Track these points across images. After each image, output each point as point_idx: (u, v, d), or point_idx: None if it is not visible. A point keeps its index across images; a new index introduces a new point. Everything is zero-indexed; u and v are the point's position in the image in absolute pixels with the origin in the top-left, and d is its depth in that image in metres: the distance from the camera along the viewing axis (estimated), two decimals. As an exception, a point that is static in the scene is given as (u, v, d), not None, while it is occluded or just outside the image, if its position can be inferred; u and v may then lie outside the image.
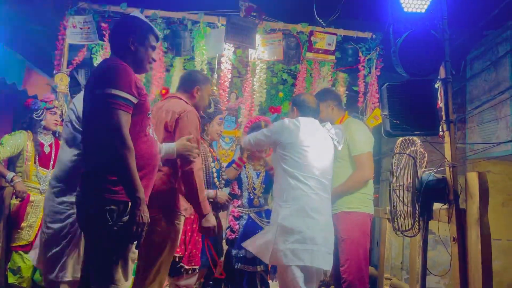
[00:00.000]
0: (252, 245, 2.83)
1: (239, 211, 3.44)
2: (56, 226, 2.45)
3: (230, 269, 3.31)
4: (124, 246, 1.88)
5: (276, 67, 4.56)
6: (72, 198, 2.36)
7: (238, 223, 3.40)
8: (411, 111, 2.41)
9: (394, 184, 2.52)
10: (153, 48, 2.19)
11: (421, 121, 2.41)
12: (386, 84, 2.43)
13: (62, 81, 3.89)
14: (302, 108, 2.90)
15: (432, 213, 2.44)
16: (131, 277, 2.00)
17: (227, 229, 3.41)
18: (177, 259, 2.85)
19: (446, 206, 2.40)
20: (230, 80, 4.03)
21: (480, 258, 2.14)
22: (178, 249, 2.84)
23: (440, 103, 2.42)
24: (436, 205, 2.45)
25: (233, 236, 3.38)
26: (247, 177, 3.48)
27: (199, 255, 2.97)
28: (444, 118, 2.40)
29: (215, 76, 3.97)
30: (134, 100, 1.90)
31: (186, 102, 2.59)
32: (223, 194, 3.20)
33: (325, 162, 2.80)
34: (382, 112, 2.44)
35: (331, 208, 2.81)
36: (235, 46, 3.88)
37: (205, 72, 3.83)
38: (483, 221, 2.18)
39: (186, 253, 2.90)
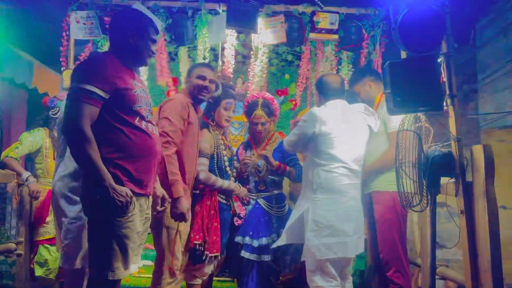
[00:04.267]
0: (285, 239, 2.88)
1: (248, 196, 3.35)
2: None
3: (234, 258, 3.18)
4: (116, 231, 2.01)
5: (280, 49, 4.57)
6: None
7: (245, 208, 3.31)
8: (414, 87, 2.42)
9: (400, 161, 2.56)
10: (153, 41, 2.27)
11: (425, 97, 2.42)
12: (388, 62, 2.45)
13: (68, 77, 3.99)
14: (326, 91, 2.87)
15: (440, 188, 2.49)
16: (131, 265, 2.11)
17: (235, 215, 3.32)
18: (197, 246, 2.90)
19: (452, 180, 2.45)
20: (234, 66, 4.06)
21: (488, 230, 2.20)
22: (197, 236, 2.92)
23: (444, 78, 2.45)
24: (443, 179, 2.50)
25: (239, 222, 3.27)
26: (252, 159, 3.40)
27: (220, 241, 2.99)
28: (448, 92, 2.43)
29: (220, 63, 4.01)
30: (103, 94, 1.99)
31: (182, 93, 2.71)
32: (243, 191, 3.22)
33: (358, 148, 2.80)
34: (385, 90, 2.47)
35: (364, 188, 2.87)
36: (237, 31, 3.91)
37: (208, 60, 3.89)
38: (489, 193, 2.22)
39: (207, 239, 2.93)
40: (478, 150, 2.29)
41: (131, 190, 2.06)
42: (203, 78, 2.88)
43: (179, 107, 2.68)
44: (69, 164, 2.75)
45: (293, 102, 4.63)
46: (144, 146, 2.12)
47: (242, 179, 3.38)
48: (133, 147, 2.08)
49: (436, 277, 2.84)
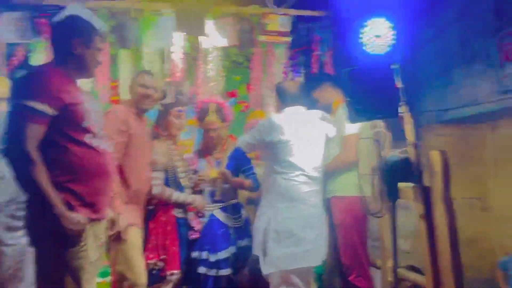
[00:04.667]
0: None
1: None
2: None
3: (191, 274, 3.03)
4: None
5: (230, 51, 4.49)
6: None
7: (201, 221, 3.17)
8: (373, 94, 2.43)
9: (361, 168, 2.59)
10: (99, 50, 2.10)
11: (383, 104, 2.45)
12: (347, 70, 2.45)
13: (1, 84, 3.66)
14: (284, 98, 2.85)
15: (398, 193, 2.54)
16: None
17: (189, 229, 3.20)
18: (152, 266, 2.77)
19: (411, 185, 2.51)
20: (182, 69, 3.91)
21: (448, 232, 2.28)
22: (151, 255, 2.79)
23: (398, 85, 2.49)
24: (401, 185, 2.55)
25: (193, 237, 3.14)
26: (204, 168, 3.27)
27: (178, 258, 2.87)
28: (403, 99, 2.48)
29: (167, 67, 3.85)
30: (49, 111, 1.83)
31: (126, 103, 2.59)
32: (202, 202, 3.08)
33: (316, 155, 2.80)
34: (345, 98, 2.48)
35: (325, 192, 2.85)
36: (186, 33, 3.77)
37: (155, 64, 3.73)
38: (447, 197, 2.30)
39: (165, 257, 2.81)
40: (435, 156, 2.35)
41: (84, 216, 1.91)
42: (145, 86, 2.76)
43: (114, 119, 2.54)
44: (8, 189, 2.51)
45: (244, 104, 4.57)
46: (97, 166, 1.97)
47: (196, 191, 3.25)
48: (85, 167, 1.93)
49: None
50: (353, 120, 2.51)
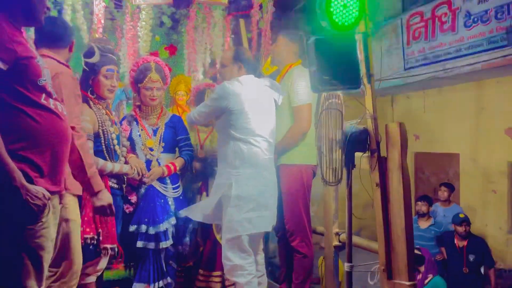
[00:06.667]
0: (195, 214, 2.75)
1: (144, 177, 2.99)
2: None
3: (130, 249, 2.94)
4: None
5: (154, 10, 4.17)
6: None
7: (136, 193, 3.04)
8: (336, 65, 2.46)
9: (319, 139, 2.63)
10: None
11: (345, 76, 2.49)
12: (313, 39, 2.42)
13: None
14: (248, 65, 2.81)
15: (354, 163, 2.65)
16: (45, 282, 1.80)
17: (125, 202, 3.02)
18: (89, 240, 2.57)
19: (367, 154, 2.63)
20: (103, 26, 3.57)
21: (402, 200, 2.45)
22: (88, 229, 2.58)
23: (360, 57, 2.55)
24: (357, 154, 2.67)
25: (131, 209, 3.02)
26: (140, 135, 3.09)
27: (114, 231, 2.69)
28: (365, 71, 2.55)
29: (92, 24, 3.46)
30: (0, 65, 1.60)
31: (58, 61, 2.24)
32: (136, 161, 2.91)
33: (271, 122, 2.80)
34: (309, 67, 2.46)
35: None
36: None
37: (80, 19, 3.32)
38: (404, 167, 2.45)
39: (100, 230, 2.62)
40: (394, 128, 2.48)
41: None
42: None
43: (71, 82, 2.22)
44: None
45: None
46: (55, 131, 1.74)
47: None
48: (42, 132, 1.68)
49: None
50: (316, 90, 2.51)
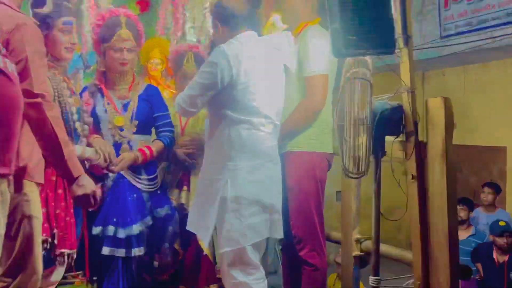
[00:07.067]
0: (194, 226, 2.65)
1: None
2: None
3: (93, 257, 2.89)
4: None
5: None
6: None
7: (102, 186, 2.88)
8: (365, 23, 2.38)
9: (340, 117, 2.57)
10: None
11: (375, 37, 2.42)
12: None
13: None
14: (229, 22, 2.59)
15: (385, 149, 2.59)
16: None
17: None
18: (43, 244, 2.47)
19: (400, 138, 2.58)
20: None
21: (446, 197, 2.39)
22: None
23: (395, 14, 2.49)
24: (388, 138, 2.61)
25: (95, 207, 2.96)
26: (106, 110, 2.97)
27: (73, 232, 2.65)
28: (400, 32, 2.50)
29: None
30: None
31: (17, 10, 2.13)
32: (102, 144, 2.83)
33: (278, 97, 2.63)
34: (331, 25, 2.36)
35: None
36: None
37: None
38: (449, 155, 2.38)
39: (56, 231, 2.59)
40: (436, 104, 2.40)
41: None
42: None
43: (36, 35, 2.12)
44: None
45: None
46: (4, 98, 1.71)
47: None
48: None
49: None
50: (338, 53, 2.40)
